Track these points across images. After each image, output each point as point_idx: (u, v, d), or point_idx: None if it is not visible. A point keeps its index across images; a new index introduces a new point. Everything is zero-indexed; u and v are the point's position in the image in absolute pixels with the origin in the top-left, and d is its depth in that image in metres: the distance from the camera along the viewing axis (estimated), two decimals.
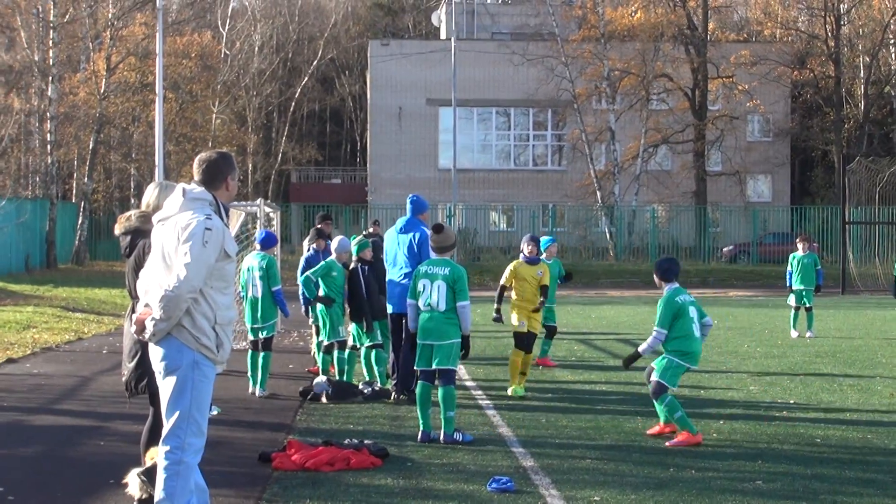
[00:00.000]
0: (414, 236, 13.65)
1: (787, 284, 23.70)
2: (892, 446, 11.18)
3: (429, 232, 13.59)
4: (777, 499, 8.95)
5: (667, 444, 11.05)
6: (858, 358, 19.05)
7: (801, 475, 9.77)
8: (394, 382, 14.04)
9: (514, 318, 14.85)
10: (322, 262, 15.03)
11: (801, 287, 23.16)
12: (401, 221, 13.97)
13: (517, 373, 14.57)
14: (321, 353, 15.28)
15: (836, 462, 10.38)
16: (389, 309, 13.86)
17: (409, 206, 14.02)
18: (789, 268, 23.57)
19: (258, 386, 14.48)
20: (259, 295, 14.66)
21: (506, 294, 15.19)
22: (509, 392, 14.45)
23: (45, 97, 48.59)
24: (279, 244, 17.96)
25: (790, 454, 10.70)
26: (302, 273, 15.73)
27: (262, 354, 14.50)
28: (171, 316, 7.05)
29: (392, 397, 13.80)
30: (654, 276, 11.72)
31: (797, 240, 23.98)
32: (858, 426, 12.28)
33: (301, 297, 15.87)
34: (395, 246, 13.82)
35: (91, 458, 10.36)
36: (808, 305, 23.07)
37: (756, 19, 68.17)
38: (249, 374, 14.63)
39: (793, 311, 23.40)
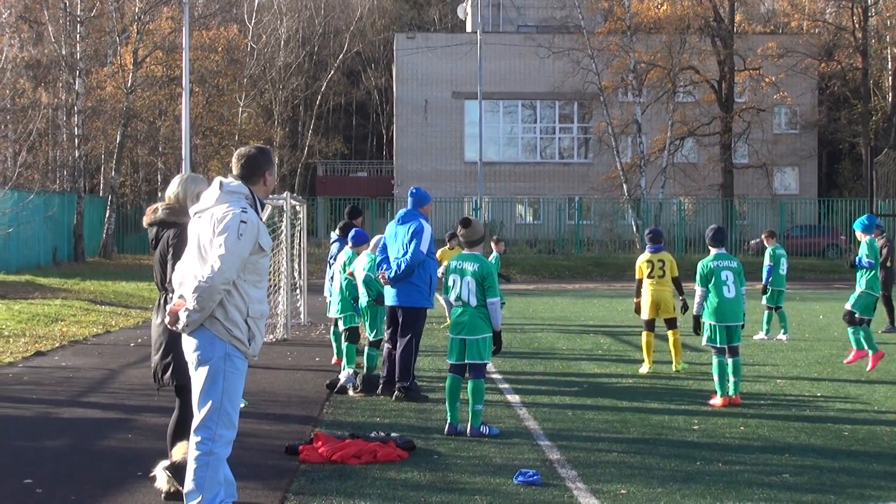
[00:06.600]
0: (410, 226, 13.53)
1: (764, 282, 21.30)
2: None
3: (426, 224, 13.54)
4: (804, 492, 8.91)
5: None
6: (886, 350, 18.92)
7: (829, 468, 9.74)
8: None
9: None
10: (369, 261, 14.77)
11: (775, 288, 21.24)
12: (401, 213, 13.89)
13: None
14: (369, 349, 15.10)
15: (864, 455, 10.34)
16: (392, 301, 13.60)
17: (409, 199, 13.95)
18: (769, 262, 21.22)
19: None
20: (337, 287, 15.60)
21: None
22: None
23: (72, 91, 48.87)
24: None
25: (818, 447, 10.65)
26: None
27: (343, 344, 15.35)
28: (204, 307, 7.12)
29: (394, 395, 13.44)
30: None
31: (765, 234, 22.00)
32: (886, 419, 12.22)
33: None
34: (393, 238, 13.72)
35: (119, 450, 10.39)
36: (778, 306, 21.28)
37: (783, 11, 67.77)
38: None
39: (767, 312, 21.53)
